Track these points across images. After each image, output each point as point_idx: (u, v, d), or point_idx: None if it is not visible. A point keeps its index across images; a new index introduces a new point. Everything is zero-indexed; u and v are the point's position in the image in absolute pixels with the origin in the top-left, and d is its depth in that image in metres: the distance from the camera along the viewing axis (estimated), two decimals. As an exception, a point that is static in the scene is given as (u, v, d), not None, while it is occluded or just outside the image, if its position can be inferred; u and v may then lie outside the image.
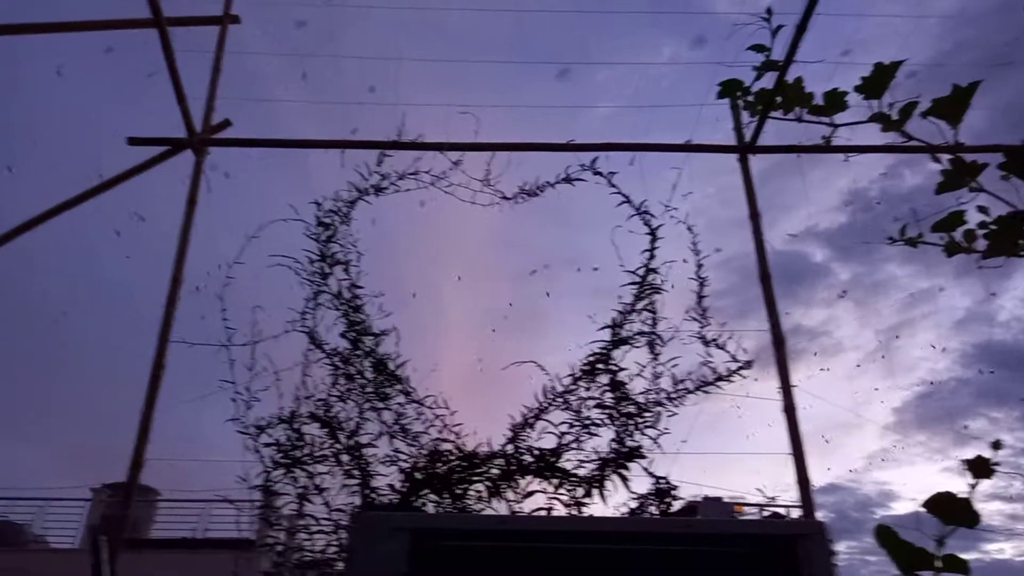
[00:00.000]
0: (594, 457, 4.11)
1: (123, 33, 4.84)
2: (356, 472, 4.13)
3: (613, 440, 4.15)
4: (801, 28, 4.33)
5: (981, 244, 2.45)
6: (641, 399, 4.20)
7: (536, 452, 4.11)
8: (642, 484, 4.07)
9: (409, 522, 2.11)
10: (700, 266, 4.48)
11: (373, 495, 4.10)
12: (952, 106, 2.29)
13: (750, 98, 4.97)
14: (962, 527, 1.17)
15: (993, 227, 2.39)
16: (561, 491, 4.08)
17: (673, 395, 4.20)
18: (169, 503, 13.59)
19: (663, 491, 4.03)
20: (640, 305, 4.41)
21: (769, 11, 3.09)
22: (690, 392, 4.24)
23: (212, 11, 5.45)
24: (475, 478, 4.12)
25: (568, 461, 4.12)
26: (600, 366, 4.32)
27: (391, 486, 4.12)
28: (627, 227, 4.63)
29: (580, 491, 4.09)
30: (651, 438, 4.10)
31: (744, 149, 4.82)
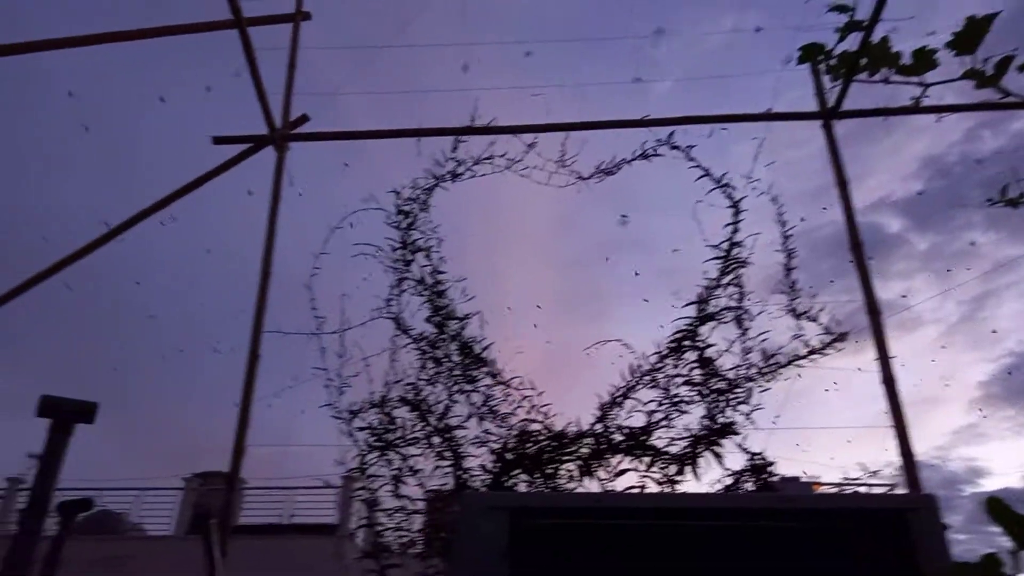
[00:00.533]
0: (685, 435, 4.08)
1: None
2: (447, 454, 4.20)
3: (704, 417, 4.10)
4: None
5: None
6: (731, 375, 4.14)
7: (626, 431, 4.10)
8: (736, 461, 4.02)
9: (507, 501, 2.14)
10: (787, 237, 4.37)
11: (465, 476, 4.16)
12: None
13: (832, 61, 4.83)
14: None
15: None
16: (652, 469, 4.06)
17: (764, 370, 4.12)
18: (254, 491, 14.14)
19: (759, 467, 3.96)
20: (726, 280, 4.33)
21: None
22: (782, 367, 4.15)
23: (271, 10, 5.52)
24: (565, 458, 4.13)
25: (659, 439, 4.09)
26: (687, 343, 4.27)
27: (483, 467, 4.17)
28: (696, 204, 4.55)
29: (672, 469, 4.06)
30: (744, 414, 4.04)
31: (828, 115, 4.65)
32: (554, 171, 4.78)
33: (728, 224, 4.40)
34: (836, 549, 1.74)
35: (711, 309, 4.29)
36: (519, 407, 4.27)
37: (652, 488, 4.01)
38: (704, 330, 4.28)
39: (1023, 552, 1.11)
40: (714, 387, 4.15)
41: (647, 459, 4.06)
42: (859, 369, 4.52)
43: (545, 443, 4.16)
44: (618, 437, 4.11)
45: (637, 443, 4.07)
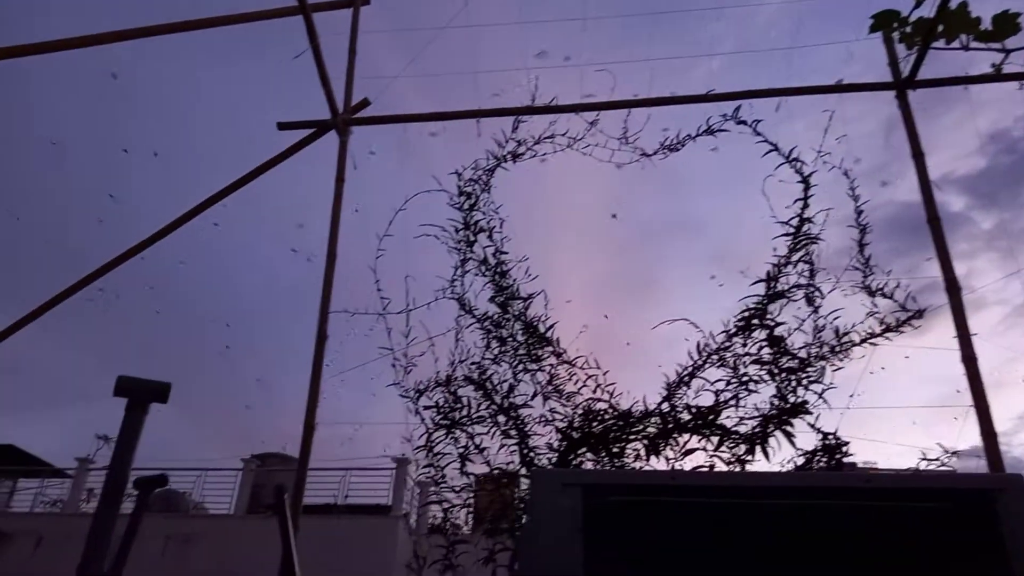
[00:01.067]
0: (755, 414, 4.01)
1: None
2: (513, 432, 4.22)
3: (774, 396, 4.03)
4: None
5: None
6: (802, 353, 4.05)
7: (694, 410, 4.06)
8: (807, 441, 3.95)
9: (581, 478, 2.14)
10: (860, 212, 4.25)
11: (531, 454, 4.18)
12: None
13: (907, 29, 4.65)
14: None
15: None
16: (721, 449, 4.01)
17: (837, 348, 4.02)
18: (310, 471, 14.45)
19: (831, 447, 3.88)
20: (795, 257, 4.24)
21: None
22: (855, 345, 4.05)
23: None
24: (631, 436, 4.12)
25: (728, 418, 4.04)
26: (755, 321, 4.19)
27: (548, 445, 4.19)
28: (765, 180, 4.44)
29: (741, 448, 4.00)
30: (816, 393, 3.95)
31: (902, 85, 4.48)
32: (617, 148, 4.74)
33: (798, 199, 4.30)
34: (917, 531, 1.70)
35: (780, 287, 4.20)
36: (584, 386, 4.26)
37: (720, 468, 3.97)
38: (773, 308, 4.20)
39: None
40: (784, 366, 4.07)
41: (715, 439, 4.02)
42: (931, 348, 4.38)
43: (611, 422, 4.15)
44: (685, 416, 4.07)
45: (705, 422, 4.03)
